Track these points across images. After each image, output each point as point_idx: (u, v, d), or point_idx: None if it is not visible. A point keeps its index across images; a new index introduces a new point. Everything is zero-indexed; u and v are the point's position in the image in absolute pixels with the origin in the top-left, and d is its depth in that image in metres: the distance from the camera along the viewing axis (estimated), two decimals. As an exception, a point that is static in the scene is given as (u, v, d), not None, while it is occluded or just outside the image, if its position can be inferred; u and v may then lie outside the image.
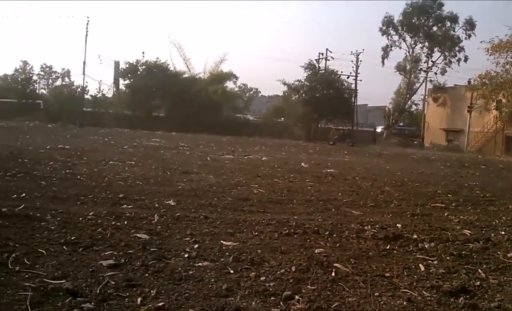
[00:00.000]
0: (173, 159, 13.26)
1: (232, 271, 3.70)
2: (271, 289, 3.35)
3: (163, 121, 42.17)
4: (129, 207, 5.97)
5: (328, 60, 46.54)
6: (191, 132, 33.85)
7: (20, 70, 62.90)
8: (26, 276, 3.34)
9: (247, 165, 12.71)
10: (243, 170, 11.39)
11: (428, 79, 50.75)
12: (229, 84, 48.48)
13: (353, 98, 46.44)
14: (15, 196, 6.27)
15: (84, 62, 50.08)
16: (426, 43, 50.24)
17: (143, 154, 13.81)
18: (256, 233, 4.93)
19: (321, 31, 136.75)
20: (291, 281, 3.55)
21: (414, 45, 51.11)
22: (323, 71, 45.33)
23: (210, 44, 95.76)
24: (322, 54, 46.87)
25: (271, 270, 3.78)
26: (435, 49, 49.97)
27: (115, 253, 3.98)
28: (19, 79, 53.36)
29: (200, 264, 3.83)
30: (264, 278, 3.59)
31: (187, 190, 7.54)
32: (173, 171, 10.21)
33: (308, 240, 4.79)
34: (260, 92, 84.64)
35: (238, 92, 54.89)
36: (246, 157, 15.74)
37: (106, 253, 3.95)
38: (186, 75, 47.20)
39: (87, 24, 52.54)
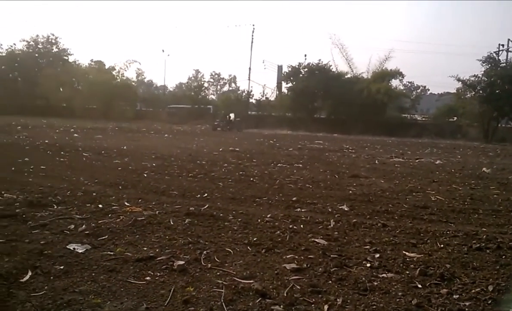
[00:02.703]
0: (340, 161, 13.18)
1: (420, 285, 3.47)
2: (466, 309, 3.05)
3: (325, 123, 42.39)
4: (303, 210, 6.06)
5: (511, 51, 41.74)
6: (353, 134, 33.39)
7: (192, 78, 69.39)
8: (218, 273, 3.58)
9: (419, 169, 11.99)
10: (416, 174, 10.76)
11: None
12: (394, 83, 46.61)
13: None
14: (198, 196, 6.85)
15: (250, 68, 53.17)
16: None
17: (309, 157, 14.00)
18: (441, 245, 4.56)
19: (494, 21, 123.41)
20: (489, 302, 3.19)
21: None
22: (504, 64, 40.61)
23: (374, 42, 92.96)
24: (503, 45, 42.30)
25: (465, 288, 3.44)
26: None
27: (296, 257, 4.04)
28: (192, 86, 58.73)
29: (384, 275, 3.67)
30: (457, 296, 3.28)
31: (359, 195, 7.38)
32: (341, 174, 10.12)
33: (504, 257, 4.27)
34: (428, 90, 79.72)
35: (404, 90, 52.41)
36: (417, 160, 14.86)
37: (287, 256, 4.04)
38: (348, 75, 46.69)
39: (253, 31, 55.76)
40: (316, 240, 4.60)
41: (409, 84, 72.26)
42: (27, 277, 3.30)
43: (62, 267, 3.52)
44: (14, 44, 53.66)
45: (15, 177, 7.83)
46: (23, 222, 4.85)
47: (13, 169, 8.81)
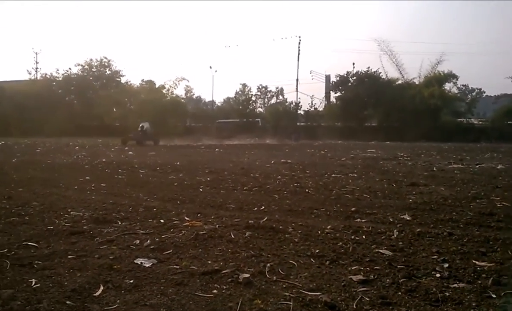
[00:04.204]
0: (396, 170, 12.86)
1: (494, 295, 3.30)
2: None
3: (376, 131, 41.70)
4: (363, 220, 5.94)
5: None
6: (407, 141, 32.56)
7: (240, 92, 70.19)
8: (284, 285, 3.55)
9: (481, 175, 11.50)
10: (478, 180, 10.32)
11: None
12: (448, 87, 45.24)
13: None
14: (255, 208, 6.86)
15: (297, 79, 53.30)
16: None
17: (363, 166, 13.77)
18: (513, 253, 4.35)
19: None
20: None
21: None
22: None
23: (424, 47, 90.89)
24: None
25: (543, 297, 3.25)
26: None
27: (362, 268, 3.96)
28: (240, 100, 59.38)
29: (455, 285, 3.52)
30: (536, 306, 3.11)
31: (420, 204, 7.15)
32: (399, 182, 9.87)
33: None
34: (484, 92, 76.47)
35: (458, 94, 50.72)
36: (477, 166, 14.28)
37: (353, 268, 3.96)
38: (399, 81, 45.81)
39: (299, 43, 56.10)
40: (381, 250, 4.48)
41: (463, 88, 69.76)
42: (100, 291, 3.40)
43: (131, 281, 3.61)
44: (70, 68, 56.38)
45: (79, 195, 8.15)
46: (91, 238, 5.02)
47: (76, 187, 9.19)
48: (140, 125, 35.30)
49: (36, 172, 12.46)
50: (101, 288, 3.46)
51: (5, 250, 4.49)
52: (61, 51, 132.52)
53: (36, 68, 60.54)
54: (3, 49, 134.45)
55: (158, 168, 13.21)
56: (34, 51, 61.84)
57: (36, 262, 4.12)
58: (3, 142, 30.46)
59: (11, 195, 8.04)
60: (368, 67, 46.44)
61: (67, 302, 3.17)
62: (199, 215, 6.28)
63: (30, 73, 60.32)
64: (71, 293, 3.34)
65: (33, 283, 3.55)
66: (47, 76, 56.34)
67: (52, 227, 5.50)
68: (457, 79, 46.05)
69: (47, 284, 3.53)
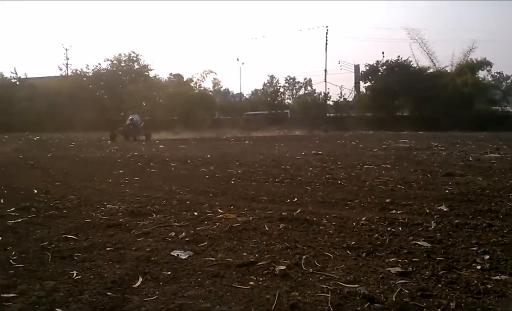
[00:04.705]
0: (430, 160, 12.58)
1: (539, 288, 3.20)
2: None
3: (408, 120, 40.79)
4: (399, 212, 5.84)
5: None
6: (440, 130, 31.84)
7: (267, 84, 69.97)
8: (321, 278, 3.52)
9: (519, 164, 11.16)
10: (517, 169, 10.02)
11: None
12: (481, 74, 43.95)
13: None
14: (288, 200, 6.84)
15: (325, 70, 52.81)
16: None
17: (396, 157, 13.52)
18: (559, 245, 4.19)
19: None
20: None
21: None
22: None
23: (455, 34, 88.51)
24: None
25: None
26: None
27: (399, 260, 3.89)
28: (268, 92, 59.20)
29: (497, 277, 3.43)
30: None
31: (457, 194, 6.98)
32: (434, 173, 9.65)
33: None
34: (520, 79, 73.83)
35: (492, 82, 49.26)
36: (516, 155, 13.84)
37: (390, 260, 3.90)
38: (431, 70, 44.79)
39: (326, 33, 55.36)
40: (418, 242, 4.40)
41: (498, 75, 67.73)
42: (139, 282, 3.45)
43: (169, 273, 3.65)
44: (99, 64, 57.30)
45: (114, 189, 8.30)
46: (127, 230, 5.11)
47: (110, 181, 9.36)
48: (130, 117, 30.75)
49: (71, 166, 12.76)
50: (140, 279, 3.51)
51: (46, 243, 4.62)
52: (90, 47, 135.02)
53: (67, 64, 61.95)
54: (35, 47, 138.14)
55: (188, 161, 13.32)
56: (64, 48, 63.15)
57: (76, 254, 4.22)
58: (38, 137, 31.30)
59: (49, 189, 8.25)
60: (399, 56, 45.67)
61: (108, 293, 3.24)
62: (232, 207, 6.30)
63: (61, 70, 61.77)
64: (111, 284, 3.40)
65: (74, 275, 3.63)
66: (78, 72, 57.46)
67: (89, 220, 5.62)
68: (491, 67, 44.68)
69: (88, 276, 3.61)
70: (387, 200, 6.56)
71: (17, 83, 55.51)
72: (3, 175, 10.90)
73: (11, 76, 56.74)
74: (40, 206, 6.65)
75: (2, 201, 7.10)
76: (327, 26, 58.37)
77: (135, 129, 28.67)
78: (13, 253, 4.26)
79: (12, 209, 6.40)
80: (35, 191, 7.97)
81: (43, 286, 3.41)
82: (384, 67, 45.78)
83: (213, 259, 3.99)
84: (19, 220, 5.71)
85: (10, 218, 5.84)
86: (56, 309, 3.00)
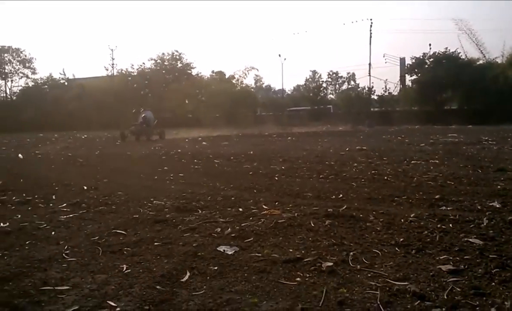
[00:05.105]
0: (480, 155, 12.09)
1: None
2: None
3: (456, 114, 39.50)
4: (449, 208, 5.65)
5: None
6: (490, 124, 30.64)
7: (310, 79, 69.45)
8: (369, 275, 3.46)
9: None
10: None
11: None
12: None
13: None
14: (333, 197, 6.75)
15: (369, 64, 51.91)
16: None
17: (444, 152, 13.08)
18: None
19: None
20: None
21: None
22: None
23: (508, 23, 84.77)
24: None
25: None
26: None
27: (451, 257, 3.77)
28: (310, 87, 58.75)
29: (554, 276, 3.27)
30: None
31: (509, 190, 6.66)
32: (485, 168, 9.27)
33: None
34: None
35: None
36: None
37: (441, 257, 3.78)
38: (480, 62, 43.14)
39: (371, 26, 54.44)
40: (470, 239, 4.25)
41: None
42: (186, 277, 3.51)
43: (216, 268, 3.69)
44: (143, 63, 58.60)
45: (160, 185, 8.47)
46: (174, 226, 5.20)
47: (155, 177, 9.55)
48: (142, 115, 26.99)
49: (117, 164, 13.14)
50: (188, 274, 3.56)
51: (97, 237, 4.77)
52: (135, 47, 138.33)
53: (113, 64, 63.75)
54: (83, 48, 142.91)
55: (232, 158, 13.41)
56: (110, 48, 65.07)
57: (125, 248, 4.33)
58: (85, 136, 32.40)
59: (97, 185, 8.52)
60: (446, 48, 44.24)
61: (157, 287, 3.30)
62: (276, 203, 6.29)
63: (107, 70, 63.64)
64: (160, 278, 3.47)
65: (124, 269, 3.73)
66: (123, 71, 59.01)
67: (137, 216, 5.76)
68: (547, 56, 42.63)
69: (137, 270, 3.70)
70: (436, 196, 6.35)
71: (66, 84, 57.58)
72: (54, 172, 11.33)
73: (60, 77, 58.97)
74: (90, 202, 6.87)
75: (54, 197, 7.39)
76: (371, 19, 57.40)
77: (149, 129, 26.36)
78: (65, 247, 4.42)
79: (63, 205, 6.65)
80: (85, 187, 8.25)
81: (95, 279, 3.52)
82: (431, 59, 44.43)
83: (259, 254, 4.00)
84: (71, 215, 5.93)
85: (62, 214, 6.07)
86: (108, 301, 3.09)
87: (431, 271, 3.49)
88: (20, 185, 8.89)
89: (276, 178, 8.86)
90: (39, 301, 3.14)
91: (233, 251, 4.12)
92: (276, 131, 31.48)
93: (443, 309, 2.81)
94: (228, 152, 15.37)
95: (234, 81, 54.08)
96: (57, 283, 3.46)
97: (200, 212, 5.91)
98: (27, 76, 60.45)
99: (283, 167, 10.59)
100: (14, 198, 7.39)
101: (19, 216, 5.97)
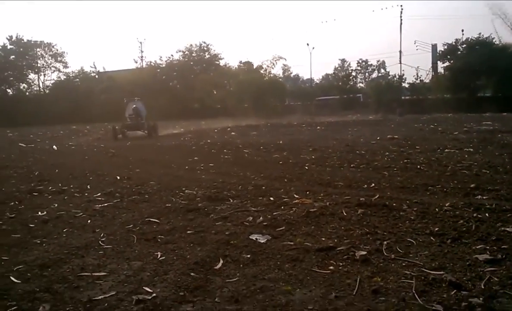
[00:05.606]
0: (517, 142, 11.76)
1: None
2: None
3: (491, 101, 38.29)
4: (485, 197, 5.52)
5: None
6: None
7: (339, 68, 68.54)
8: (403, 264, 3.43)
9: None
10: None
11: None
12: None
13: None
14: (365, 186, 6.69)
15: (400, 51, 50.85)
16: None
17: (479, 140, 12.72)
18: None
19: None
20: None
21: None
22: None
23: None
24: None
25: None
26: None
27: (487, 247, 3.69)
28: (339, 76, 58.05)
29: None
30: None
31: (549, 178, 6.50)
32: (523, 157, 9.02)
33: None
34: None
35: None
36: None
37: (477, 247, 3.71)
38: (516, 46, 41.73)
39: (401, 12, 53.24)
40: (508, 229, 4.15)
41: None
42: (220, 264, 3.55)
43: (248, 256, 3.72)
44: (172, 55, 59.00)
45: (190, 175, 8.56)
46: (206, 215, 5.26)
47: (186, 167, 9.65)
48: (133, 106, 23.44)
49: (148, 154, 13.33)
50: (221, 261, 3.60)
51: (131, 226, 4.87)
52: (163, 39, 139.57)
53: (142, 57, 64.48)
54: (112, 41, 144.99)
55: (261, 147, 13.41)
56: (139, 41, 65.88)
57: (159, 236, 4.41)
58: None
59: (130, 175, 8.68)
60: (479, 33, 42.99)
61: (191, 274, 3.36)
62: (307, 192, 6.27)
63: (136, 62, 64.45)
64: (194, 265, 3.52)
65: (159, 256, 3.81)
66: (152, 64, 59.56)
67: (170, 205, 5.85)
68: None
69: (171, 257, 3.77)
70: (472, 185, 6.21)
71: (96, 76, 58.53)
72: (88, 163, 11.60)
73: (90, 70, 59.98)
74: (123, 191, 7.02)
75: (88, 187, 7.57)
76: (401, 5, 56.11)
77: (141, 120, 23.04)
78: (101, 235, 4.54)
79: (98, 194, 6.82)
80: (118, 177, 8.42)
81: (131, 266, 3.60)
82: (464, 45, 43.26)
83: (292, 243, 4.01)
84: (105, 204, 6.07)
85: (97, 203, 6.23)
86: (144, 287, 3.16)
87: (468, 260, 3.43)
88: (56, 176, 9.14)
89: (306, 167, 8.83)
90: (77, 286, 3.23)
91: (266, 240, 4.14)
92: (305, 121, 31.28)
93: (481, 298, 2.76)
94: (257, 142, 15.37)
95: (262, 71, 53.82)
96: (94, 269, 3.56)
97: (231, 201, 5.95)
98: (59, 70, 61.61)
99: (313, 156, 10.54)
100: (50, 187, 7.62)
101: (56, 205, 6.16)
